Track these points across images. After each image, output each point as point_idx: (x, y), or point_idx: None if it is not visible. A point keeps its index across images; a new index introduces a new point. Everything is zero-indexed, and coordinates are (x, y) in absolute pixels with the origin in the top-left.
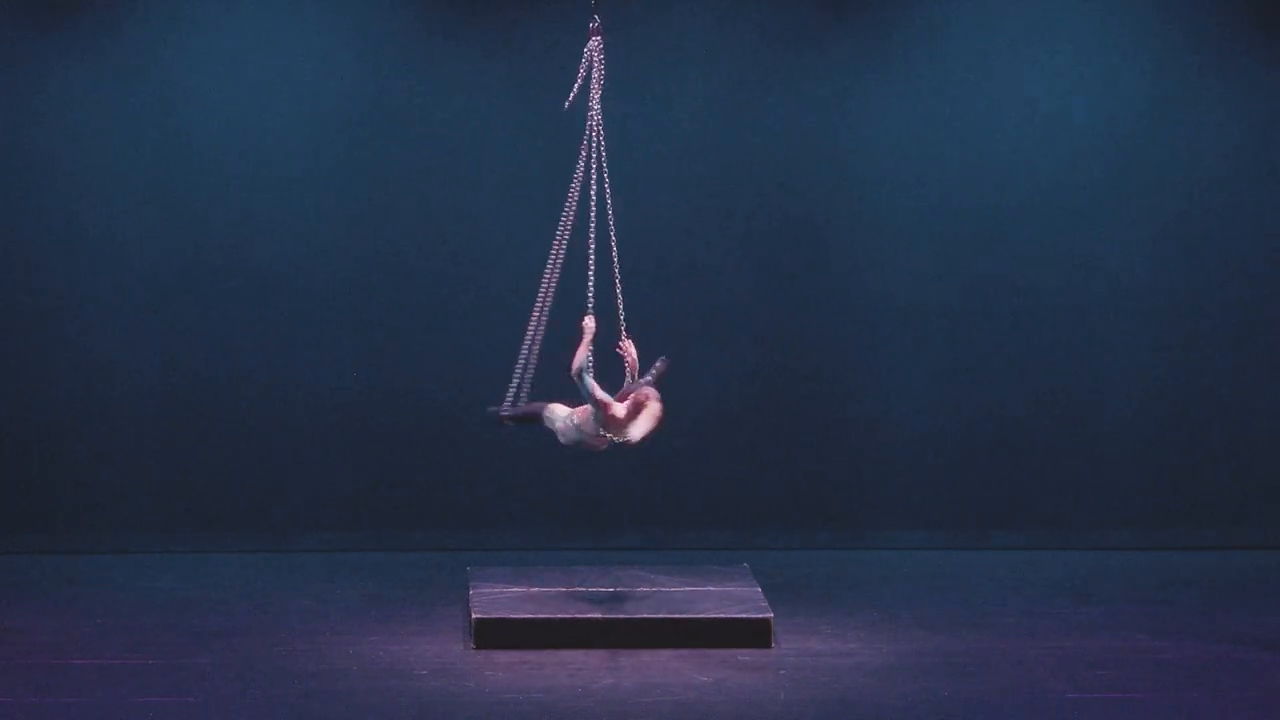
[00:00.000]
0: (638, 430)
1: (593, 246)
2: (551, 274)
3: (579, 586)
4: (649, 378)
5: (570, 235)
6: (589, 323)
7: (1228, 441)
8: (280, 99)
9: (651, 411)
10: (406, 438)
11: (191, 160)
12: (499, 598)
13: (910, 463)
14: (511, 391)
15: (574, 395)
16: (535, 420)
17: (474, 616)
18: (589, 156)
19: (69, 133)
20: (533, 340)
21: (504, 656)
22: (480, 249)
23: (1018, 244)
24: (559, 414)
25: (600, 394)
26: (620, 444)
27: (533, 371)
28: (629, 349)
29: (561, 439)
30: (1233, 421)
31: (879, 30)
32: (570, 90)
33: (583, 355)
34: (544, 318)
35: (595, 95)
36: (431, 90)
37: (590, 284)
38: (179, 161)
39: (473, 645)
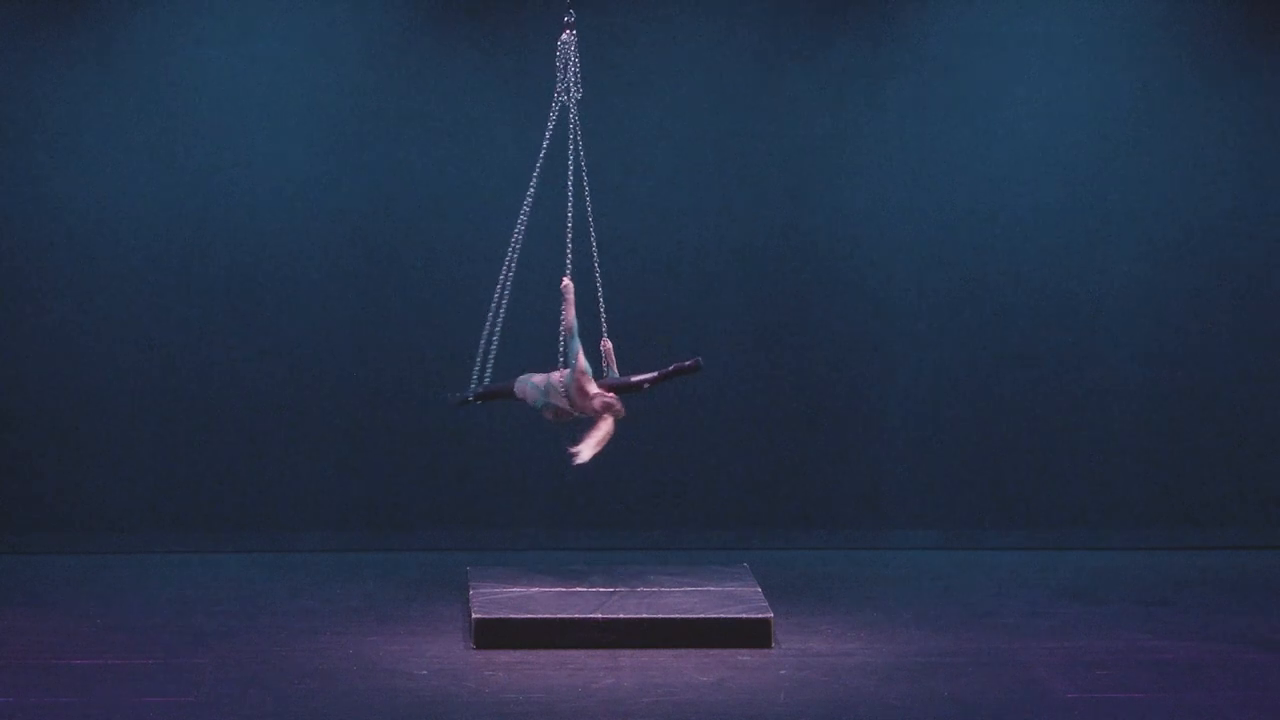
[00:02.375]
0: (587, 450)
1: (570, 231)
2: (510, 263)
3: (579, 586)
4: (654, 375)
5: (533, 229)
6: (568, 283)
7: (1228, 441)
8: (276, 101)
9: (605, 429)
10: (406, 438)
11: (195, 161)
12: (499, 598)
13: (911, 463)
14: (475, 376)
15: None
16: (506, 395)
17: (474, 616)
18: (548, 145)
19: (67, 134)
20: (492, 326)
21: (504, 656)
22: (480, 249)
23: (1017, 246)
24: (534, 378)
25: (583, 361)
26: (564, 421)
27: (493, 357)
28: (608, 348)
29: (529, 400)
30: (1233, 422)
31: (878, 38)
32: (563, 88)
33: (571, 315)
34: (504, 302)
35: (573, 87)
36: (427, 92)
37: (569, 258)
38: (183, 163)
39: (473, 645)
